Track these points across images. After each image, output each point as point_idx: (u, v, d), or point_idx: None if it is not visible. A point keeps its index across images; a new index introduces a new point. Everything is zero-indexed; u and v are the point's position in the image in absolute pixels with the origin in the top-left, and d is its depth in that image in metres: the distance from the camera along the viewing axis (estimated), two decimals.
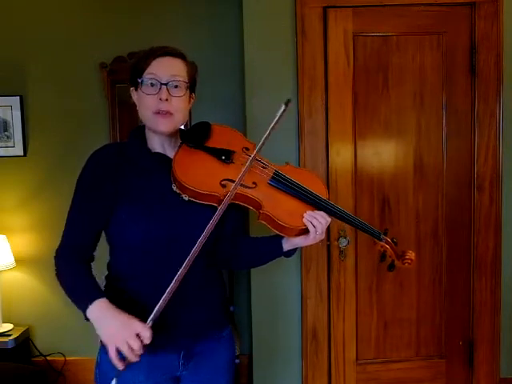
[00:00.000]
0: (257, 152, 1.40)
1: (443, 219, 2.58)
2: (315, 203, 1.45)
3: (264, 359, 2.63)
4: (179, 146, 1.45)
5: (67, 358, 3.17)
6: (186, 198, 1.38)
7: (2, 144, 3.10)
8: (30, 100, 3.10)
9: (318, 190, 1.49)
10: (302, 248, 2.51)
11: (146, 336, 1.23)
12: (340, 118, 2.48)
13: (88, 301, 1.31)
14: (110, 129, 3.06)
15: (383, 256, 1.53)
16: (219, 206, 1.36)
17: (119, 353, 1.24)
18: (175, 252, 1.37)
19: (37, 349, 3.17)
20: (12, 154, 3.10)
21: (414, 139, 2.53)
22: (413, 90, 2.51)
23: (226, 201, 1.35)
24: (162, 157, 1.44)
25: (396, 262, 1.53)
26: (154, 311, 1.26)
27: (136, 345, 1.22)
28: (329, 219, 1.44)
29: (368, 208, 2.55)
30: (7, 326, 3.03)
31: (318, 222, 1.41)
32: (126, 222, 1.37)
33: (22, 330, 3.04)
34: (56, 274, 1.40)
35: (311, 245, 1.48)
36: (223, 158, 1.43)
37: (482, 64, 2.49)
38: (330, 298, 2.56)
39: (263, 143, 1.39)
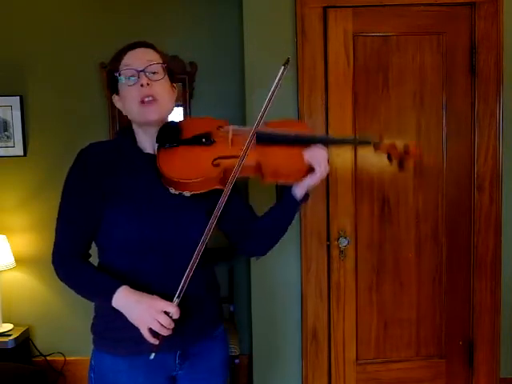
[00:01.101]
0: (260, 119, 1.40)
1: (443, 219, 2.58)
2: (306, 141, 1.48)
3: (264, 359, 2.63)
4: (157, 152, 1.43)
5: (67, 358, 3.17)
6: (188, 194, 1.38)
7: (2, 144, 3.10)
8: (30, 100, 3.10)
9: (301, 129, 1.55)
10: (301, 248, 2.52)
11: (172, 311, 1.28)
12: (340, 118, 2.48)
13: (110, 294, 1.33)
14: (109, 129, 3.06)
15: (389, 158, 1.52)
16: (223, 186, 1.37)
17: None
18: (167, 253, 1.38)
19: (37, 349, 3.17)
20: (12, 154, 3.10)
21: (414, 139, 2.53)
22: (413, 90, 2.51)
23: (235, 173, 1.35)
24: (152, 158, 1.43)
25: (403, 157, 1.51)
26: (178, 291, 1.30)
27: (165, 321, 1.27)
28: (325, 149, 1.46)
29: (368, 208, 2.55)
30: (7, 326, 3.03)
31: (317, 155, 1.44)
32: (116, 221, 1.36)
33: (22, 330, 3.03)
34: (62, 279, 1.40)
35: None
36: (204, 140, 1.43)
37: (482, 64, 2.49)
38: (330, 297, 2.56)
39: (265, 109, 1.39)
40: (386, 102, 2.51)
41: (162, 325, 1.27)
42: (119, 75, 1.38)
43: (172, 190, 1.38)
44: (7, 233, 3.05)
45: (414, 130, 2.53)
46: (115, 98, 1.45)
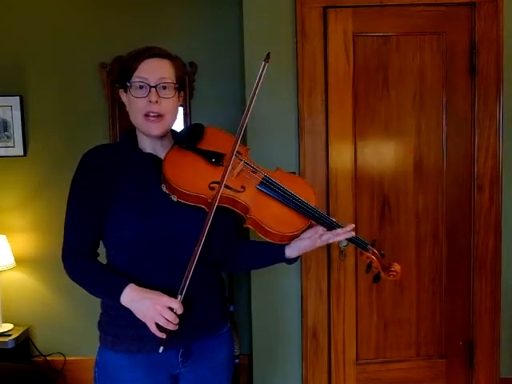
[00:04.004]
0: (242, 125, 1.41)
1: (443, 219, 2.58)
2: (303, 210, 1.46)
3: (264, 359, 2.63)
4: (171, 147, 1.46)
5: (67, 358, 3.17)
6: (175, 199, 1.39)
7: (2, 144, 3.10)
8: (30, 100, 3.10)
9: (307, 196, 1.48)
10: None
11: (176, 307, 1.32)
12: (340, 118, 2.48)
13: (118, 293, 1.35)
14: (109, 129, 3.06)
15: (369, 267, 1.52)
16: (208, 208, 1.37)
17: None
18: (169, 250, 1.40)
19: (37, 349, 3.17)
20: (12, 154, 3.10)
21: (414, 139, 2.53)
22: (413, 90, 2.51)
23: (214, 203, 1.36)
24: (153, 158, 1.46)
25: (382, 273, 1.51)
26: (180, 288, 1.34)
27: (170, 316, 1.31)
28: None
29: (368, 208, 2.55)
30: (7, 326, 3.03)
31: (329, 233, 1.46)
32: (118, 219, 1.38)
33: (21, 330, 3.03)
34: (72, 278, 1.42)
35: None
36: (213, 160, 1.44)
37: (482, 64, 2.49)
38: (330, 297, 2.56)
39: (249, 106, 1.42)
40: (386, 102, 2.51)
41: (167, 320, 1.30)
42: (130, 84, 1.40)
43: (164, 188, 1.40)
44: (7, 233, 3.05)
45: (414, 130, 2.53)
46: (122, 93, 1.47)
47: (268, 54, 1.41)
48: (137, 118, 1.42)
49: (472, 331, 2.61)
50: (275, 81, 2.47)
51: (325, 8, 2.44)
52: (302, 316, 2.58)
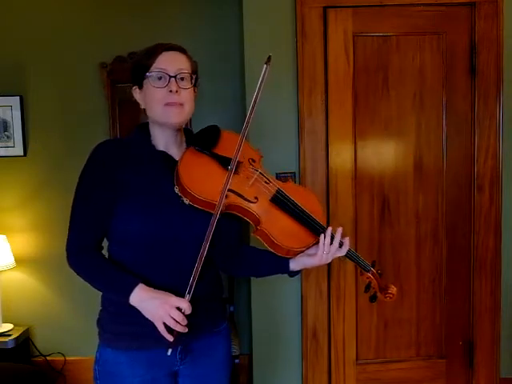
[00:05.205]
0: (245, 127, 1.40)
1: (443, 219, 2.58)
2: (312, 227, 1.47)
3: (264, 359, 2.63)
4: (186, 148, 1.46)
5: (67, 358, 3.17)
6: (187, 202, 1.39)
7: (2, 144, 3.10)
8: (30, 100, 3.10)
9: (316, 212, 1.49)
10: None
11: (185, 307, 1.32)
12: (340, 118, 2.49)
13: (128, 292, 1.36)
14: (110, 129, 3.06)
15: (368, 287, 1.56)
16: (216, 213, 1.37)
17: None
18: (172, 248, 1.40)
19: (37, 349, 3.17)
20: (12, 154, 3.10)
21: (414, 139, 2.53)
22: (413, 90, 2.51)
23: (218, 208, 1.35)
24: (165, 155, 1.45)
25: (378, 294, 1.55)
26: (188, 287, 1.34)
27: (178, 316, 1.32)
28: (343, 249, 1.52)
29: (368, 208, 2.55)
30: (7, 326, 3.03)
31: (332, 246, 1.49)
32: (123, 215, 1.38)
33: (21, 330, 3.03)
34: (76, 270, 1.42)
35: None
36: (229, 167, 1.42)
37: (482, 64, 2.49)
38: (330, 297, 2.56)
39: (251, 113, 1.40)
40: (386, 102, 2.51)
41: (175, 320, 1.31)
42: (150, 74, 1.40)
43: (176, 190, 1.40)
44: (7, 233, 3.04)
45: (414, 129, 2.53)
46: (136, 91, 1.47)
47: (269, 57, 1.41)
48: (156, 108, 1.41)
49: (472, 331, 2.62)
50: (275, 81, 2.47)
51: (325, 8, 2.44)
52: (301, 316, 2.58)
